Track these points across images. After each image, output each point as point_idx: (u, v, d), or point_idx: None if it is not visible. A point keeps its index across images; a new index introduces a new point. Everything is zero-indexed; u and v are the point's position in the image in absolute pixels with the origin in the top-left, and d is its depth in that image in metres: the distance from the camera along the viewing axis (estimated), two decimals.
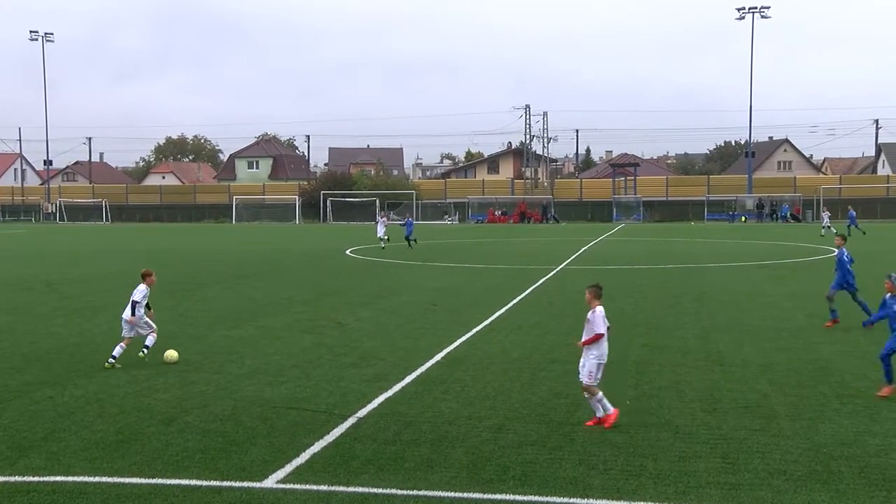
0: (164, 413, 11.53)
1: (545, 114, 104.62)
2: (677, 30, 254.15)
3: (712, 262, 36.03)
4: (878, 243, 45.25)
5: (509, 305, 22.22)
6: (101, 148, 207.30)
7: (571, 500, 8.26)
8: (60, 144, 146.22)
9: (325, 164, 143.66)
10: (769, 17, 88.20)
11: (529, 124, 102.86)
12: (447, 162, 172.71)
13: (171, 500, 8.29)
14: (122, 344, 14.89)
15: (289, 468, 9.20)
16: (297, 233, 70.29)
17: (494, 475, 8.95)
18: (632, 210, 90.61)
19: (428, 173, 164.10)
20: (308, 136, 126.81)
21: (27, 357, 15.67)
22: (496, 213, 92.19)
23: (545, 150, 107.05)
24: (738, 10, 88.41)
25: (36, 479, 8.91)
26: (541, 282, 28.08)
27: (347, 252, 42.98)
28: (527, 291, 25.31)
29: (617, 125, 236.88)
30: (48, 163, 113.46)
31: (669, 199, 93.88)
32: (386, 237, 47.06)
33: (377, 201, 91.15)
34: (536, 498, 8.32)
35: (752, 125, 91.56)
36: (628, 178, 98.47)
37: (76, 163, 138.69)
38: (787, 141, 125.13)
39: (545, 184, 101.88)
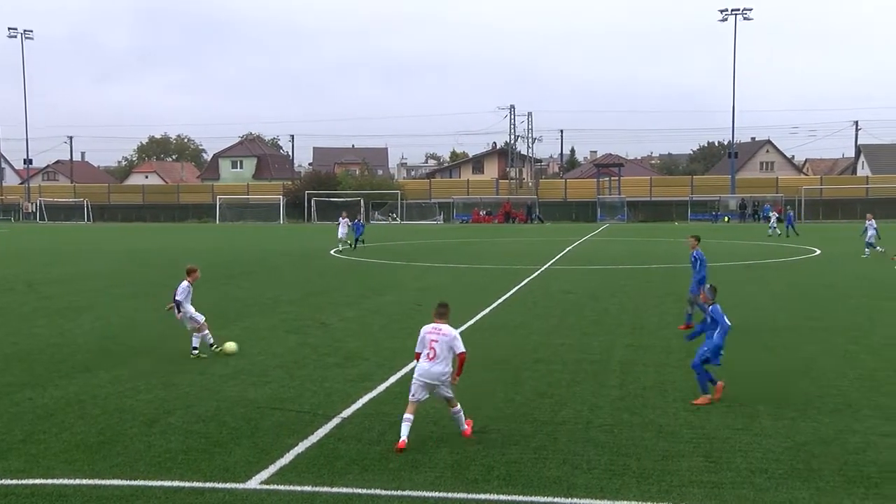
0: (147, 414, 11.47)
1: (530, 114, 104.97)
2: (661, 31, 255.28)
3: None
4: (854, 244, 45.52)
5: (494, 305, 22.23)
6: (82, 147, 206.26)
7: (555, 499, 8.28)
8: (41, 143, 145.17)
9: (310, 164, 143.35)
10: (751, 19, 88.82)
11: (514, 124, 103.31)
12: (432, 162, 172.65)
13: (154, 502, 8.26)
14: (195, 335, 15.49)
15: (272, 469, 9.18)
16: (281, 233, 70.10)
17: (479, 475, 8.95)
18: (616, 210, 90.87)
19: (413, 173, 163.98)
20: (292, 136, 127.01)
21: (8, 358, 15.55)
22: (481, 213, 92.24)
23: (530, 150, 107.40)
24: (721, 11, 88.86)
25: (14, 481, 8.84)
26: (525, 282, 28.11)
27: (332, 252, 42.90)
28: (511, 291, 25.33)
29: (601, 126, 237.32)
30: (28, 161, 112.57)
31: (653, 199, 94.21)
32: (347, 240, 45.74)
33: (362, 201, 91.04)
34: (521, 497, 8.33)
35: (735, 126, 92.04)
36: (612, 178, 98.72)
37: (57, 162, 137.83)
38: (769, 142, 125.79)
39: (530, 184, 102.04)
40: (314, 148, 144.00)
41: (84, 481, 8.81)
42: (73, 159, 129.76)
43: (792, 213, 60.79)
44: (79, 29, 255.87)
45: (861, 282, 27.37)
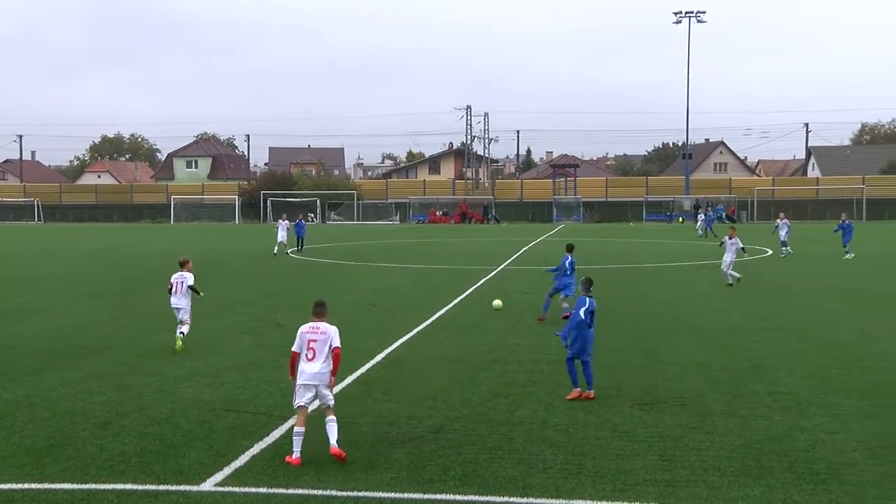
0: (99, 417, 11.30)
1: (486, 115, 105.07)
2: (616, 32, 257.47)
3: (651, 262, 36.56)
4: (804, 245, 46.33)
5: (450, 306, 22.27)
6: (32, 146, 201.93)
7: (511, 499, 8.31)
8: None
9: (266, 164, 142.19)
10: (705, 22, 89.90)
11: (471, 125, 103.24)
12: (388, 162, 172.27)
13: None
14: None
15: (227, 471, 9.10)
16: (236, 233, 69.49)
17: (435, 475, 8.96)
18: (572, 211, 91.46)
19: (369, 173, 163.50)
20: (248, 136, 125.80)
21: None
22: (437, 213, 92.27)
23: (486, 150, 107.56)
24: (676, 13, 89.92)
25: None
26: (481, 282, 28.19)
27: (288, 252, 42.62)
28: (467, 292, 25.39)
29: (557, 126, 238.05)
30: None
31: (609, 199, 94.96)
32: (285, 243, 42.63)
33: (318, 201, 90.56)
34: (476, 497, 8.35)
35: (690, 127, 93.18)
36: (568, 178, 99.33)
37: (6, 161, 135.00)
38: (722, 143, 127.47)
39: (486, 184, 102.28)
40: (270, 148, 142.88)
41: (33, 486, 8.65)
42: (23, 158, 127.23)
43: (711, 214, 62.14)
44: (29, 26, 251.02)
45: (811, 281, 27.86)
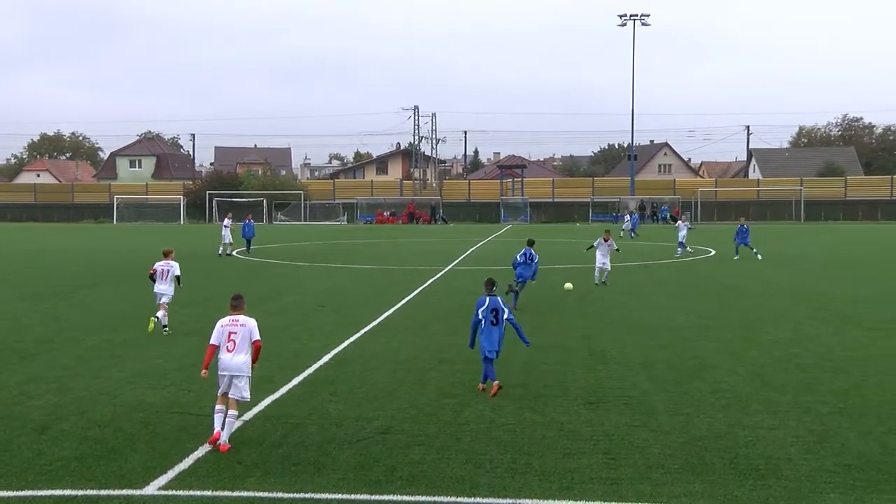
0: (38, 421, 11.06)
1: (434, 115, 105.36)
2: (564, 34, 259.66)
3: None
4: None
5: (397, 306, 22.25)
6: None
7: (458, 499, 8.33)
8: None
9: (211, 164, 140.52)
10: (649, 25, 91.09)
11: (418, 125, 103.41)
12: (336, 162, 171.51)
13: None
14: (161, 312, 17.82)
15: (171, 474, 8.97)
16: (182, 233, 68.56)
17: (382, 476, 8.95)
18: (519, 211, 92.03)
19: (316, 174, 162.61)
20: (193, 136, 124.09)
21: None
22: (385, 213, 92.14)
23: (434, 151, 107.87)
24: (621, 16, 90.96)
25: None
26: (429, 282, 28.22)
27: (234, 253, 42.19)
28: (415, 292, 25.39)
29: (505, 127, 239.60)
30: None
31: (556, 200, 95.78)
32: (231, 242, 42.46)
33: (265, 201, 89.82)
34: (423, 498, 8.35)
35: (635, 129, 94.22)
36: (515, 179, 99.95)
37: None
38: (667, 145, 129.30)
39: (434, 185, 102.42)
40: (216, 147, 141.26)
41: None
42: None
43: (637, 216, 63.27)
44: None
45: (753, 281, 28.39)
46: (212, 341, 10.15)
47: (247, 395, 10.14)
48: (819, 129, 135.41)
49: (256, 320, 10.45)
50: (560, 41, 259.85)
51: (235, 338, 10.05)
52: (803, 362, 14.75)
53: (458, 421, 11.10)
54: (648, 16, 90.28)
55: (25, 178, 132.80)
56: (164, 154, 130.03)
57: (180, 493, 8.44)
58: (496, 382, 12.38)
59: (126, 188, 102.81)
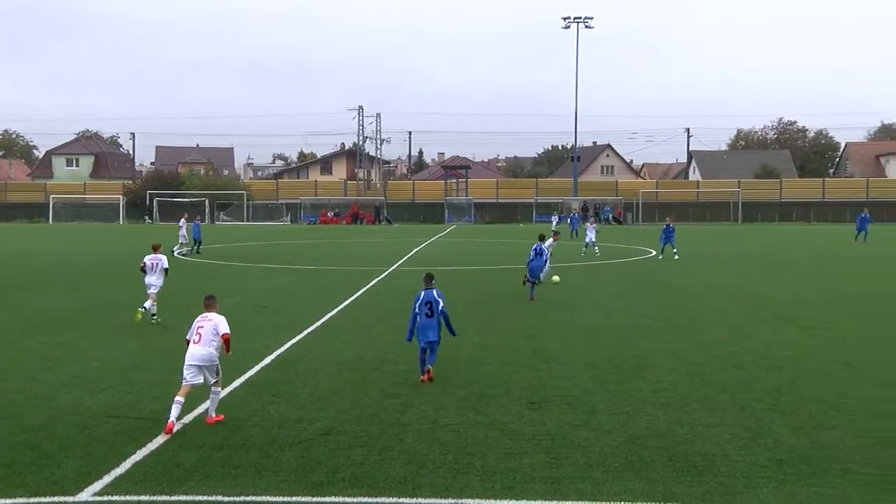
0: None
1: (378, 115, 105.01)
2: (508, 35, 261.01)
3: None
4: (686, 247, 47.96)
5: (341, 307, 22.15)
6: None
7: (400, 499, 8.32)
8: None
9: (152, 163, 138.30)
10: (592, 28, 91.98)
11: (363, 125, 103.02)
12: (280, 162, 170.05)
13: None
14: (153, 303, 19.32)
15: (107, 479, 8.80)
16: (121, 233, 67.39)
17: (324, 477, 8.90)
18: (463, 211, 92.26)
19: (260, 174, 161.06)
20: (133, 134, 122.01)
21: None
22: (329, 214, 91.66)
23: (378, 151, 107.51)
24: (564, 19, 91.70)
25: None
26: (373, 283, 28.15)
27: (175, 253, 41.59)
28: (359, 293, 25.31)
29: (449, 128, 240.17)
30: None
31: (500, 201, 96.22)
32: (186, 241, 43.02)
33: (207, 201, 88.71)
34: (366, 499, 8.33)
35: (578, 130, 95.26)
36: (460, 179, 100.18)
37: None
38: (609, 146, 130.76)
39: (378, 185, 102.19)
40: (157, 147, 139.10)
41: None
42: None
43: (577, 216, 64.35)
44: None
45: (694, 281, 28.85)
46: (187, 337, 11.26)
47: (213, 379, 11.12)
48: (756, 132, 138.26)
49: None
50: (505, 43, 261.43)
51: (202, 331, 11.03)
52: (741, 361, 15.04)
53: (401, 421, 11.09)
54: (592, 18, 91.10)
55: None
56: (102, 153, 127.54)
57: (116, 498, 8.29)
58: (430, 370, 13.19)
59: (63, 187, 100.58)
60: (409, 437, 10.36)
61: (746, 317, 20.46)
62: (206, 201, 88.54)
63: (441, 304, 13.44)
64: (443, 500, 8.30)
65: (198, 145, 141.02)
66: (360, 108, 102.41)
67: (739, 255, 41.02)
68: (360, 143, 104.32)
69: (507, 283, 28.46)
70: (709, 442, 10.15)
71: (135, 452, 9.67)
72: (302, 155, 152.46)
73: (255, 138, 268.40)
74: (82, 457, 9.54)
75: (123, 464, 9.28)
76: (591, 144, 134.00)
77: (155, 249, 20.36)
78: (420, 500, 8.33)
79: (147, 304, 19.43)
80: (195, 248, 42.58)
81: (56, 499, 8.27)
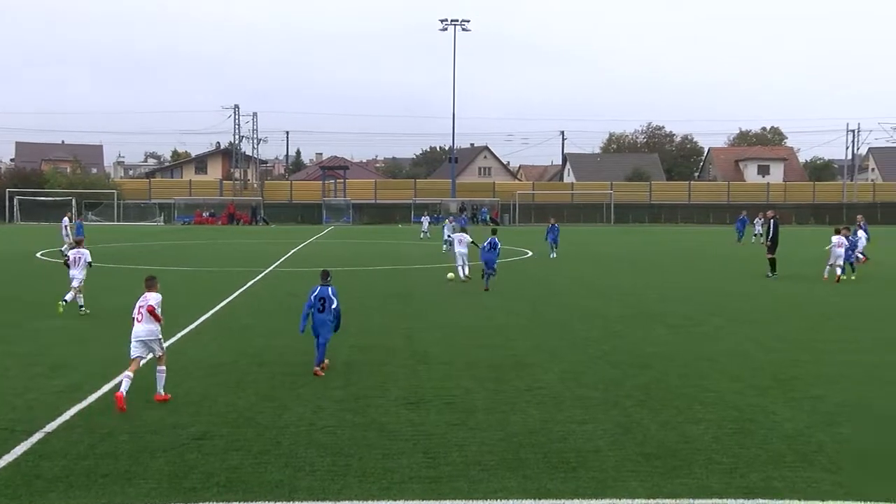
0: None
1: (255, 114, 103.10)
2: (388, 36, 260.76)
3: (419, 263, 37.34)
4: (563, 247, 49.10)
5: (216, 309, 21.67)
6: None
7: (277, 503, 8.21)
8: None
9: (12, 160, 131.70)
10: (469, 30, 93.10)
11: (239, 124, 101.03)
12: (152, 161, 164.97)
13: None
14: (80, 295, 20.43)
15: None
16: None
17: (198, 483, 8.69)
18: (341, 212, 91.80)
19: (131, 172, 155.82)
20: None
21: None
22: (204, 214, 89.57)
23: (255, 151, 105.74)
24: (442, 21, 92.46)
25: None
26: (249, 284, 27.68)
27: (38, 255, 39.80)
28: (235, 294, 24.84)
29: (327, 128, 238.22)
30: None
31: (378, 201, 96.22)
32: (70, 241, 42.41)
33: (73, 200, 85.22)
34: None
35: (456, 132, 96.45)
36: (338, 180, 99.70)
37: None
38: (486, 148, 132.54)
39: (255, 185, 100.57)
40: (17, 142, 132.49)
41: None
42: None
43: (465, 218, 65.21)
44: None
45: (570, 281, 29.55)
46: (132, 315, 12.40)
47: (160, 351, 12.29)
48: (627, 135, 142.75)
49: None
50: (384, 44, 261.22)
51: (143, 310, 12.20)
52: (613, 359, 15.48)
53: (278, 424, 10.94)
54: (469, 21, 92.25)
55: None
56: None
57: None
58: (325, 362, 13.96)
59: None
60: (286, 440, 10.23)
61: (619, 315, 21.08)
62: (73, 200, 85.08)
63: (335, 302, 14.05)
64: (320, 503, 8.23)
65: (63, 142, 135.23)
66: (236, 106, 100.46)
67: (613, 256, 42.27)
68: (237, 142, 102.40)
69: (385, 283, 28.46)
70: (582, 438, 10.41)
71: None
72: (176, 154, 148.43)
73: (125, 136, 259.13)
74: None
75: None
76: (468, 146, 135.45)
77: (78, 244, 22.06)
78: (297, 503, 8.23)
79: (68, 297, 20.29)
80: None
81: None
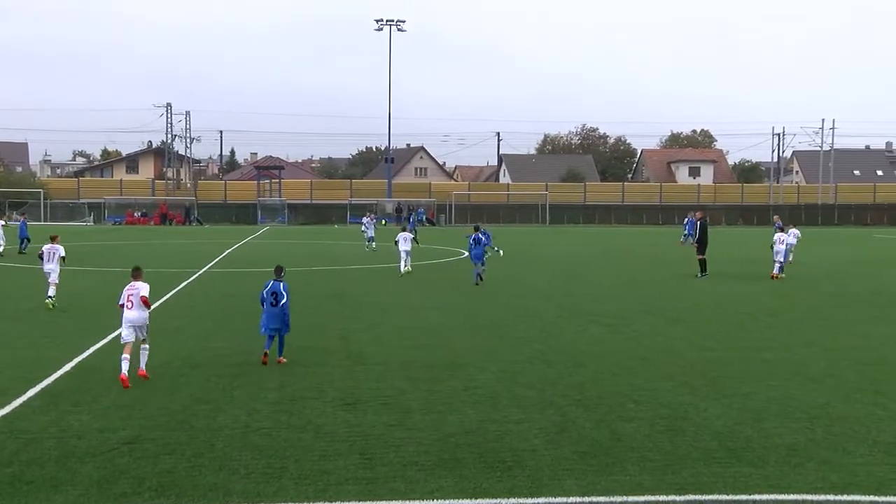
0: None
1: (188, 113, 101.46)
2: (323, 35, 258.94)
3: (354, 264, 37.18)
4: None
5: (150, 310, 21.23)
6: None
7: None
8: None
9: None
10: (405, 31, 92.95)
11: (171, 123, 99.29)
12: (81, 160, 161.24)
13: None
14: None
15: None
16: None
17: (129, 488, 8.53)
18: (277, 212, 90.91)
19: (59, 171, 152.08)
20: None
21: None
22: (135, 214, 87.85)
23: (188, 150, 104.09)
24: (378, 21, 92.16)
25: None
26: (182, 285, 27.25)
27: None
28: (168, 295, 24.43)
29: (262, 127, 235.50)
30: None
31: (314, 202, 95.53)
32: (3, 241, 41.39)
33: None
34: None
35: (392, 132, 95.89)
36: (273, 180, 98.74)
37: None
38: (422, 149, 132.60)
39: (188, 185, 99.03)
40: None
41: None
42: None
43: (413, 222, 65.09)
44: None
45: (505, 282, 29.71)
46: (118, 302, 13.74)
47: (144, 335, 13.58)
48: (562, 137, 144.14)
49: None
50: (320, 42, 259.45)
51: (132, 298, 13.52)
52: (549, 358, 15.62)
53: (212, 427, 10.80)
54: (404, 21, 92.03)
55: None
56: None
57: None
58: (280, 358, 14.74)
59: None
60: (220, 443, 10.11)
61: (555, 315, 21.28)
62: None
63: (285, 298, 14.79)
64: None
65: None
66: (169, 104, 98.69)
67: (548, 257, 42.64)
68: (169, 141, 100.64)
69: (321, 284, 28.27)
70: (517, 437, 10.49)
71: None
72: (106, 152, 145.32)
73: (52, 133, 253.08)
74: None
75: None
76: (405, 146, 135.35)
77: (52, 240, 22.64)
78: None
79: (51, 292, 21.43)
80: (22, 246, 40.46)
81: None
